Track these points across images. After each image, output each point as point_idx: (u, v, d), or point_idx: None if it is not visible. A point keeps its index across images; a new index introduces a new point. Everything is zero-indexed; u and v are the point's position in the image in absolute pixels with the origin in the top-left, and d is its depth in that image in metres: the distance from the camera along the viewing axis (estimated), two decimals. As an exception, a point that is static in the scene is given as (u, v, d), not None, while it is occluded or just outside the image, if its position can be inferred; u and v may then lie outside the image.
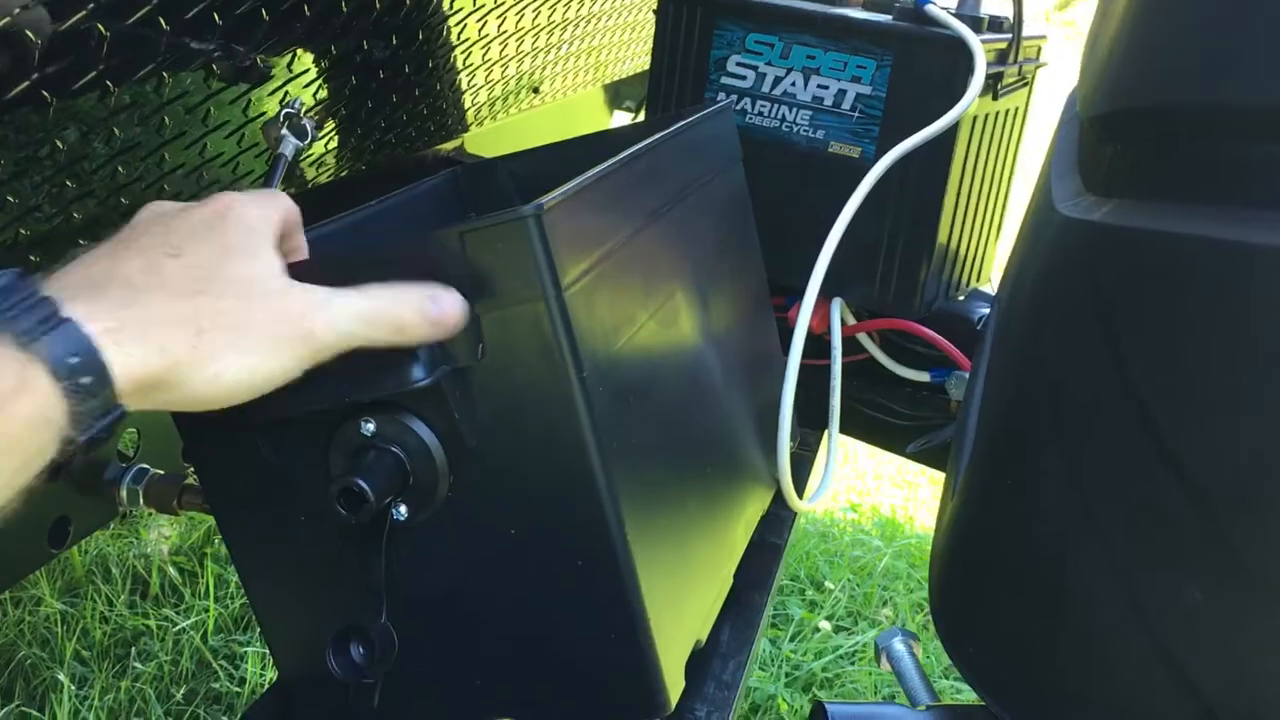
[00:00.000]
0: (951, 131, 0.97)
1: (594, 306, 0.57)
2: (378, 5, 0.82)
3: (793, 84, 1.05)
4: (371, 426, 0.56)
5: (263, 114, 0.78)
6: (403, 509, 0.58)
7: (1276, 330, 0.42)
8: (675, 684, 0.61)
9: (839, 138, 1.04)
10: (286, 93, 0.81)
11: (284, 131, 0.80)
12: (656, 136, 0.71)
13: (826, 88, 1.04)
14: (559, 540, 0.57)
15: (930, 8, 0.99)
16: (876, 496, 2.29)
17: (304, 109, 0.82)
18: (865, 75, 1.02)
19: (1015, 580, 0.57)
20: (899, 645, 0.68)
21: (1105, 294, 0.49)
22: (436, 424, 0.56)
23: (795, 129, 1.06)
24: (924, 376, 1.10)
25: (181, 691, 1.56)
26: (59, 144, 0.61)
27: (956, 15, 0.99)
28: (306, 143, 0.81)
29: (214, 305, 0.47)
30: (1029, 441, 0.59)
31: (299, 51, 0.76)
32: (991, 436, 0.61)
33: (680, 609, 0.65)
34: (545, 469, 0.56)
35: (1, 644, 1.60)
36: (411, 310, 0.51)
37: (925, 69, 0.98)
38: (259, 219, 0.52)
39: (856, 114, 1.03)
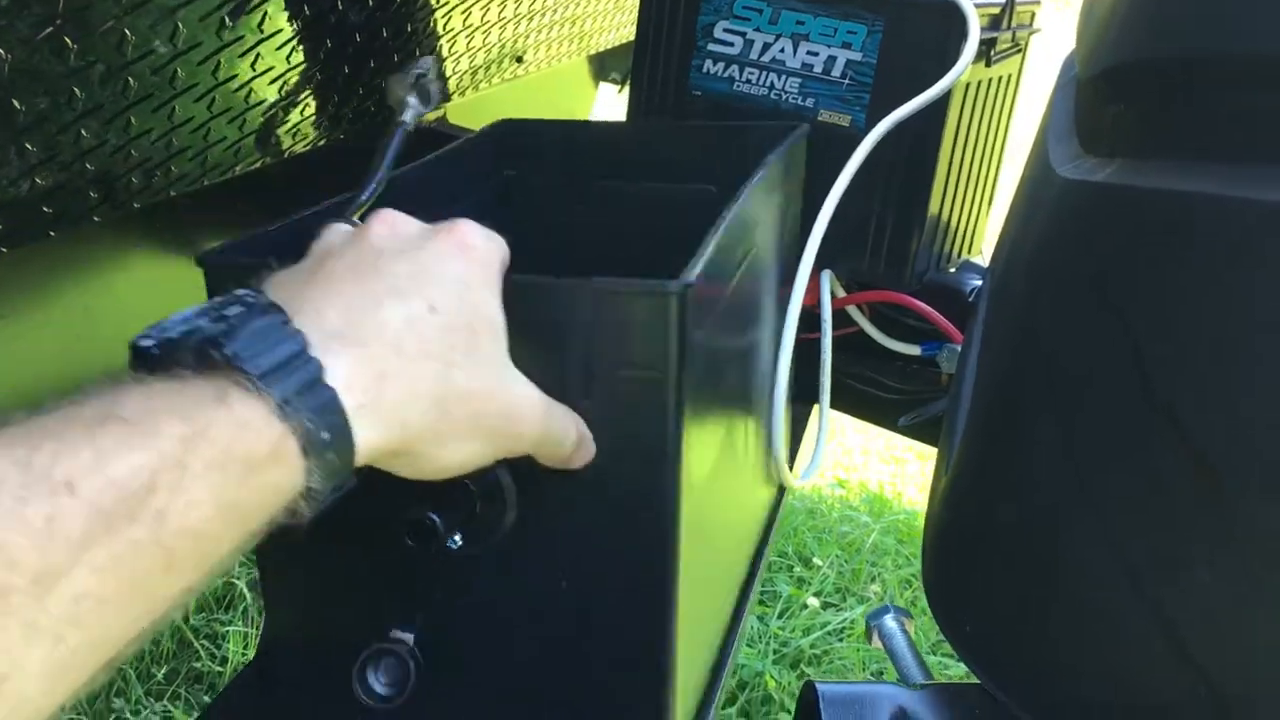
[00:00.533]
0: (944, 99, 0.95)
1: (702, 373, 0.55)
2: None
3: (781, 50, 1.03)
4: None
5: (234, 76, 0.75)
6: (458, 538, 0.55)
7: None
8: None
9: (829, 105, 1.02)
10: (415, 50, 0.68)
11: (411, 97, 0.68)
12: (757, 179, 0.69)
13: (816, 54, 1.01)
14: (608, 608, 0.55)
15: (922, -29, 0.97)
16: (865, 472, 2.28)
17: (432, 71, 0.72)
18: (856, 41, 0.99)
19: (1010, 553, 0.55)
20: (891, 623, 0.66)
21: (1108, 256, 0.47)
22: (515, 462, 0.53)
23: (784, 97, 1.03)
24: (915, 350, 1.08)
25: (163, 671, 1.54)
26: (17, 104, 0.58)
27: (948, -22, 0.97)
28: (429, 108, 0.71)
29: (463, 387, 0.45)
30: (1023, 411, 0.57)
31: (268, 11, 0.73)
32: (986, 408, 0.59)
33: (692, 685, 0.64)
34: (616, 534, 0.54)
35: (-21, 624, 1.58)
36: (571, 448, 0.51)
37: (917, 34, 0.96)
38: (495, 266, 0.49)
39: (847, 81, 1.00)
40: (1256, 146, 0.41)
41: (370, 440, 0.41)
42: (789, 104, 1.03)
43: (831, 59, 1.01)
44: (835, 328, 1.04)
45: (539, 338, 0.51)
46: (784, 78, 1.03)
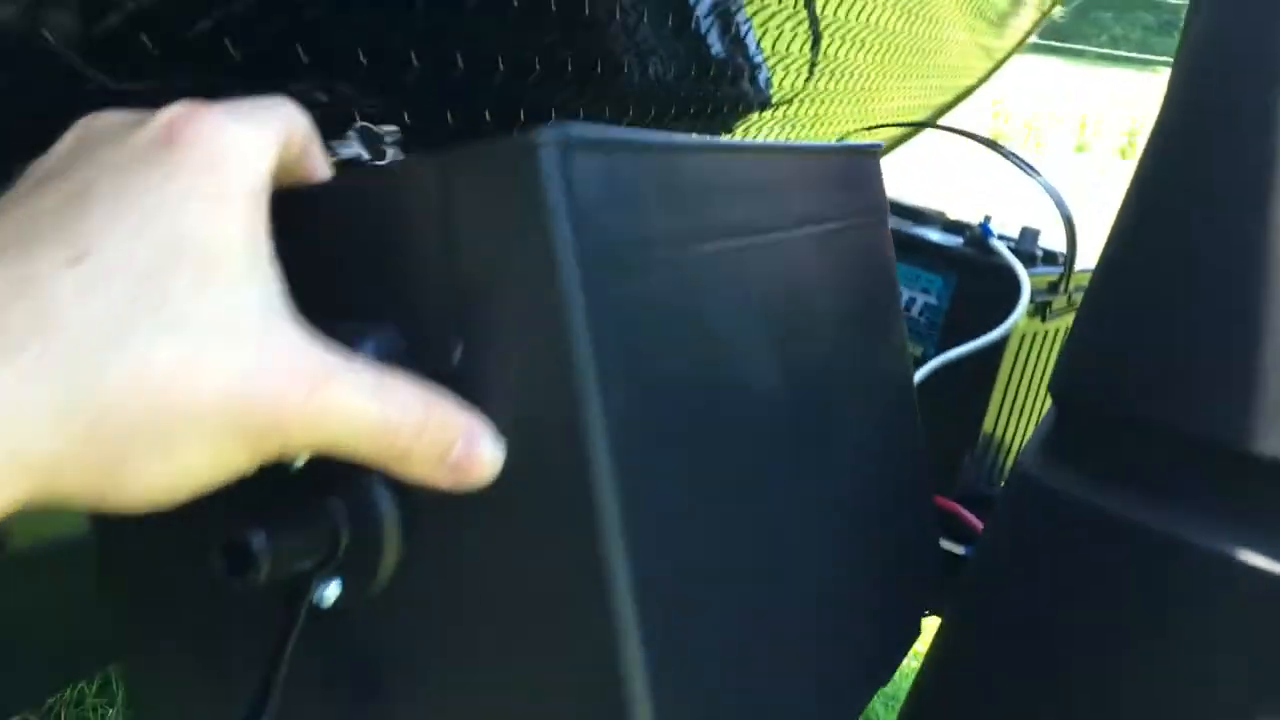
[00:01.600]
0: (1000, 344, 1.14)
1: (636, 313, 0.38)
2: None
3: (872, 288, 1.24)
4: (299, 463, 0.36)
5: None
6: (332, 591, 0.37)
7: (1126, 599, 0.58)
8: None
9: (908, 337, 1.22)
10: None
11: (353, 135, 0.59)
12: (774, 143, 0.56)
13: (900, 295, 1.23)
14: (545, 657, 0.37)
15: (993, 240, 1.17)
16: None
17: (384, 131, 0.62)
18: (933, 288, 1.20)
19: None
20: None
21: (1017, 542, 0.65)
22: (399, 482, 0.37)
23: (871, 324, 1.25)
24: (961, 550, 1.25)
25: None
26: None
27: (1014, 249, 1.17)
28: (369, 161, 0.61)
29: (140, 363, 0.29)
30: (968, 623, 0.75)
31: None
32: (955, 618, 0.78)
33: None
34: (537, 539, 0.36)
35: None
36: (429, 446, 0.34)
37: (982, 290, 1.16)
38: (237, 168, 0.32)
39: (923, 319, 1.21)
40: (1142, 481, 0.58)
41: None
42: (874, 330, 1.24)
43: (912, 299, 1.22)
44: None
45: (373, 265, 0.36)
46: (872, 308, 1.25)
